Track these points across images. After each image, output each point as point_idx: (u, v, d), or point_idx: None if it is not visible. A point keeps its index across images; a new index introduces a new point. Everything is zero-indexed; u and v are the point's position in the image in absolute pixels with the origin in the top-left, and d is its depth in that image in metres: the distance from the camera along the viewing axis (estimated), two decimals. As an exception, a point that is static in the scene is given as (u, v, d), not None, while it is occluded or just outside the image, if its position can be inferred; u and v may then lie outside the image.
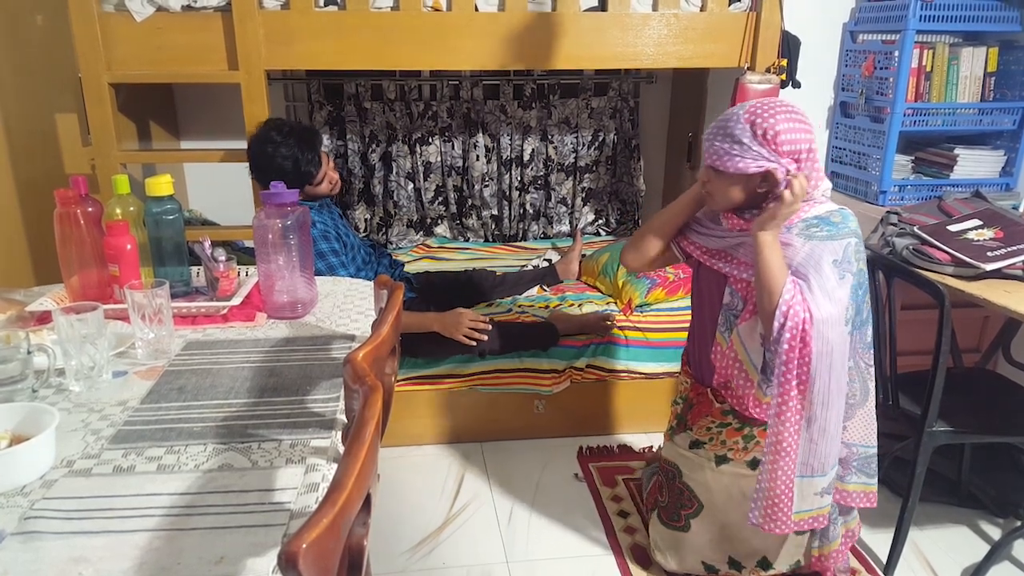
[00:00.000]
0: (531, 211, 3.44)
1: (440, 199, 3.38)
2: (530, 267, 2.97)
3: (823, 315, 1.46)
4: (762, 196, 1.53)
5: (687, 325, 1.86)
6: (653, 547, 1.91)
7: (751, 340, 1.59)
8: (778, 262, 1.48)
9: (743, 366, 1.63)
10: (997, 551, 1.96)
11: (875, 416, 1.67)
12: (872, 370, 1.64)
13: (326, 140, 3.21)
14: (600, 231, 3.52)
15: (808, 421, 1.53)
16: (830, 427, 1.54)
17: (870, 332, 1.62)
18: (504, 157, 3.32)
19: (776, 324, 1.47)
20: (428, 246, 3.31)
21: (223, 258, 1.60)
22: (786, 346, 1.47)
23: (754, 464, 1.71)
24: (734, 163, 1.49)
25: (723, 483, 1.76)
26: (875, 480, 1.71)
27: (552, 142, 3.35)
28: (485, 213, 3.40)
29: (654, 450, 2.46)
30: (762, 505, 1.59)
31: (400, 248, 3.30)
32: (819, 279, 1.48)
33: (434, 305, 2.54)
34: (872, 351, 1.64)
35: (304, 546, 0.64)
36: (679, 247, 1.75)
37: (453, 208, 3.40)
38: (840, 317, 1.49)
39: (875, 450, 1.68)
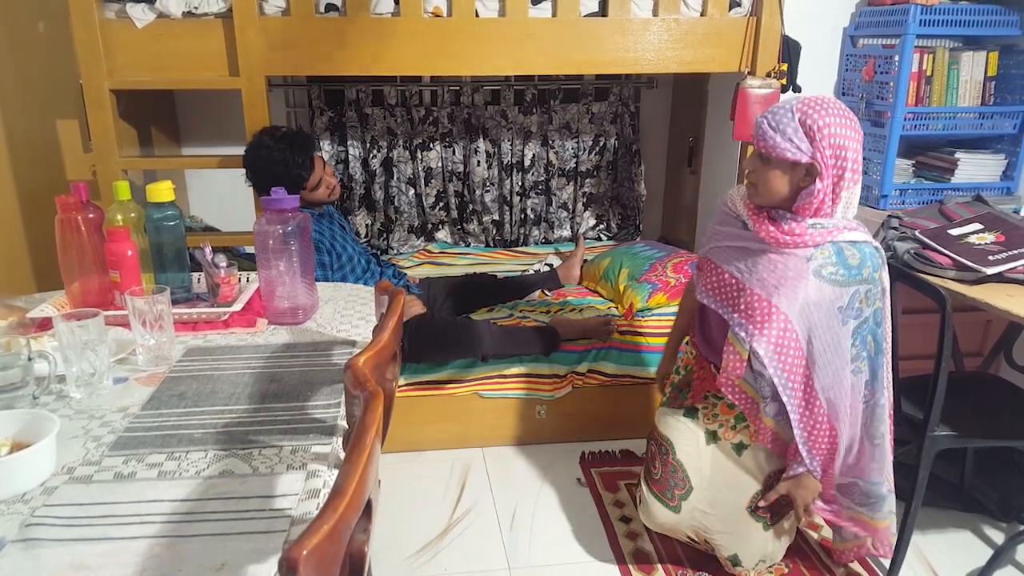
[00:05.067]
0: (532, 216, 3.44)
1: (441, 204, 3.38)
2: (531, 272, 2.97)
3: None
4: (799, 190, 1.54)
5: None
6: (640, 505, 1.90)
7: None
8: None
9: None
10: (1001, 555, 1.95)
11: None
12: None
13: (327, 146, 3.21)
14: (601, 236, 3.52)
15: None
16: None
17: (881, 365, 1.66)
18: (505, 162, 3.33)
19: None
20: (429, 251, 3.31)
21: (224, 264, 1.60)
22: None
23: (739, 448, 1.75)
24: (777, 149, 1.50)
25: (711, 464, 1.77)
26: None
27: (553, 147, 3.36)
28: (486, 218, 3.40)
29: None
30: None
31: (401, 254, 3.30)
32: (823, 330, 1.57)
33: (435, 309, 2.54)
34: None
35: (305, 552, 0.64)
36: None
37: (454, 213, 3.40)
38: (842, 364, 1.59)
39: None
